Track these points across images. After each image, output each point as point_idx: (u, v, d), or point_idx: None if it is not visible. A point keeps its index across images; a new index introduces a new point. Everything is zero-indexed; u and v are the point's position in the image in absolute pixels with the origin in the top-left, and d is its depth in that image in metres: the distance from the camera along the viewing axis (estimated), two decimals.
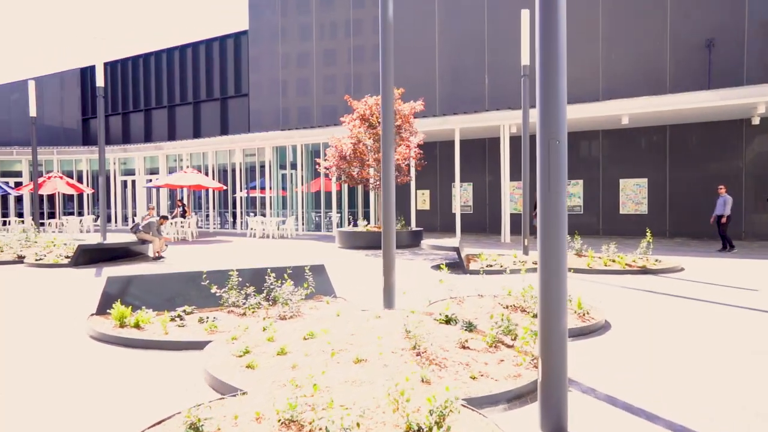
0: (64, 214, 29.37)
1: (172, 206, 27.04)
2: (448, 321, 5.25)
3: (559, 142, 3.33)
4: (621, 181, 19.77)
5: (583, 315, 5.97)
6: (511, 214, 21.33)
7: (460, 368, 4.13)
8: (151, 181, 25.95)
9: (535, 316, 5.76)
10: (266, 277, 6.56)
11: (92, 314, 6.11)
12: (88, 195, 28.40)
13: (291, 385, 3.66)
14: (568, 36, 3.60)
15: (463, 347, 4.52)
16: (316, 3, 26.05)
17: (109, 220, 28.02)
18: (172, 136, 31.86)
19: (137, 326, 5.53)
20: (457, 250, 10.42)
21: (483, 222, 22.31)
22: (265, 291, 6.50)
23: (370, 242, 15.94)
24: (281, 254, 14.61)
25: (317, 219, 23.52)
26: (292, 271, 6.81)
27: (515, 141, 20.40)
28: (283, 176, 24.02)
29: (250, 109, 28.48)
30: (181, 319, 5.76)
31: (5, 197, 28.66)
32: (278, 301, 6.04)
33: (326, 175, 19.22)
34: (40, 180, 21.35)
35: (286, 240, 19.62)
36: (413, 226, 20.01)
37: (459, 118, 19.06)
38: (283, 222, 21.66)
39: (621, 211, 19.83)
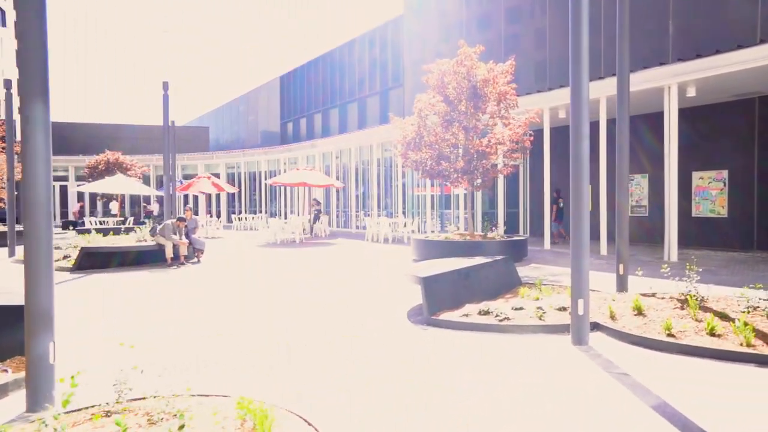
0: (231, 212, 31.81)
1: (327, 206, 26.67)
2: None
3: None
4: None
5: None
6: (702, 219, 14.72)
7: None
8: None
9: None
10: None
11: None
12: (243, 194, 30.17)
13: None
14: None
15: None
16: None
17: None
18: (343, 133, 31.86)
19: None
20: (422, 282, 6.35)
21: (661, 228, 15.82)
22: None
23: (445, 253, 12.11)
24: (323, 267, 12.10)
25: (450, 220, 20.08)
26: None
27: (695, 111, 13.94)
28: None
29: (404, 100, 26.35)
30: None
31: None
32: None
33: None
34: (189, 181, 23.05)
35: (392, 245, 16.86)
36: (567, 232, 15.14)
37: (603, 84, 13.54)
38: (397, 224, 18.90)
39: None
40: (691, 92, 12.58)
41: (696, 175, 14.75)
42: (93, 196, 33.97)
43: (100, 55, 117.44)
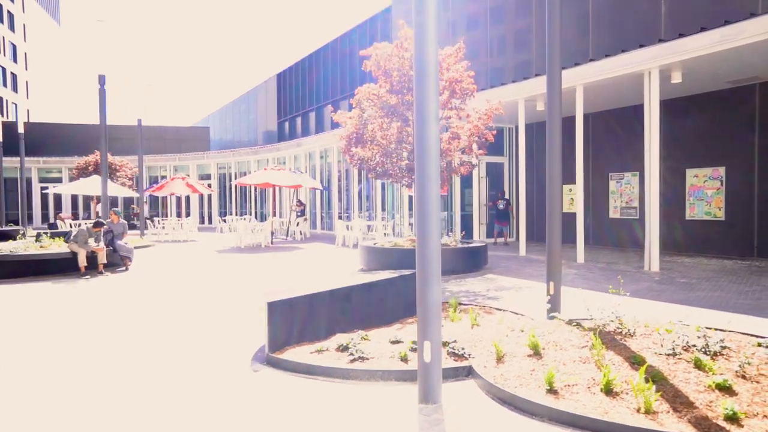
0: (223, 214, 30.90)
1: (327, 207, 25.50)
2: None
3: None
4: None
5: None
6: (697, 222, 13.09)
7: None
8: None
9: None
10: None
11: None
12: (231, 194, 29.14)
13: None
14: None
15: None
16: None
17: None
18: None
19: None
20: (267, 309, 5.03)
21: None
22: None
23: (390, 262, 10.72)
24: (258, 279, 10.91)
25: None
26: None
27: (688, 101, 12.36)
28: None
29: None
30: None
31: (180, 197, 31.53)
32: None
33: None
34: (162, 182, 22.16)
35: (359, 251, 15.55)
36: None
37: (580, 71, 12.01)
38: (371, 228, 17.61)
39: None
40: (677, 78, 10.97)
41: (690, 173, 13.06)
42: (87, 199, 33.52)
43: (98, 55, 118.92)
